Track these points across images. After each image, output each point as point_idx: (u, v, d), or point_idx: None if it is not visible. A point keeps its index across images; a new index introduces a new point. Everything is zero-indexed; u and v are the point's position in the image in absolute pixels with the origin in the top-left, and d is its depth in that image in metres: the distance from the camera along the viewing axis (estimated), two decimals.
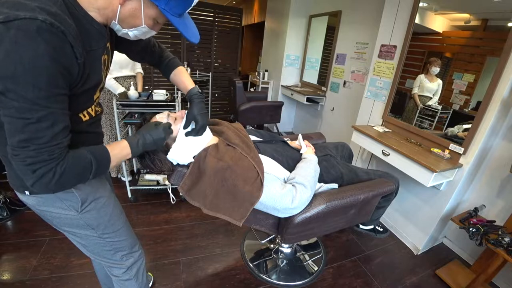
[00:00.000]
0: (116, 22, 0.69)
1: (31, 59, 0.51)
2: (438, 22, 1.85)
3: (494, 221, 1.54)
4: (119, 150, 0.76)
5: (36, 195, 0.75)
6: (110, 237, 0.92)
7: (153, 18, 0.71)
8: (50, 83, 0.54)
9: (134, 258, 1.03)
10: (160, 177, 2.27)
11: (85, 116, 0.75)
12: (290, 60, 3.79)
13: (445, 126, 1.81)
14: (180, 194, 1.12)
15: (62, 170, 0.60)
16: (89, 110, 0.77)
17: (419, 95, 1.96)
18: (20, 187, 0.74)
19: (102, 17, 0.67)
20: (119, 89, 2.08)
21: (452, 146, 1.66)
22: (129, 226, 1.02)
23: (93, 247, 0.92)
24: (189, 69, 3.62)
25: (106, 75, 0.82)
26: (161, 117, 1.08)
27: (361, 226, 1.67)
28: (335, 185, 1.31)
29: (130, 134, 2.24)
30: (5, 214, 1.83)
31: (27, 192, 0.74)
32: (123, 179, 2.37)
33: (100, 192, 0.87)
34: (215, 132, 1.24)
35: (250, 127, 3.58)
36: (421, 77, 1.93)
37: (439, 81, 1.85)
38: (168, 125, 0.91)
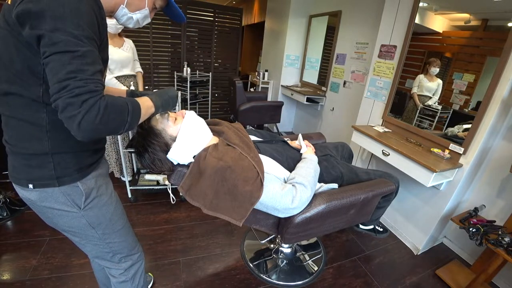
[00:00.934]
0: (124, 6, 0.76)
1: (76, 3, 0.58)
2: (438, 22, 1.85)
3: (494, 221, 1.54)
4: (143, 100, 0.77)
5: (39, 189, 0.74)
6: (110, 237, 0.92)
7: (153, 1, 0.81)
8: (90, 27, 0.61)
9: (133, 261, 1.03)
10: (160, 177, 2.27)
11: None
12: (290, 60, 3.79)
13: (445, 126, 1.81)
14: (180, 194, 1.12)
15: (105, 104, 0.60)
16: None
17: (418, 95, 1.96)
18: (23, 180, 0.74)
19: (110, 2, 0.72)
20: (120, 88, 2.08)
21: (452, 146, 1.66)
22: (130, 228, 1.02)
23: (91, 247, 0.92)
24: (189, 69, 3.62)
25: (106, 68, 0.84)
26: (162, 117, 1.08)
27: (361, 226, 1.67)
28: (335, 185, 1.31)
29: (130, 134, 2.24)
30: (5, 214, 1.83)
31: (30, 185, 0.74)
32: (123, 179, 2.37)
33: (103, 189, 0.87)
34: (215, 132, 1.24)
35: (250, 127, 3.58)
36: (421, 77, 1.93)
37: (439, 81, 1.85)
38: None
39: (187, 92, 3.64)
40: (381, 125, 2.19)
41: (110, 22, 1.80)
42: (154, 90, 0.95)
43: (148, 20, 0.86)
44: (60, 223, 0.83)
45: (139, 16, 0.81)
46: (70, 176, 0.77)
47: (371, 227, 1.68)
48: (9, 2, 0.62)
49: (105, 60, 0.75)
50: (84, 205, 0.81)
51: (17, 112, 0.68)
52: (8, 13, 0.61)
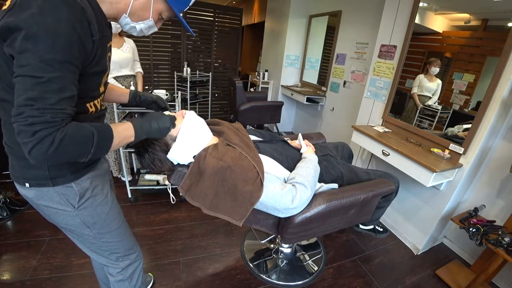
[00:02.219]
0: (127, 15, 0.74)
1: (53, 24, 0.55)
2: (438, 22, 1.85)
3: (494, 221, 1.54)
4: (122, 129, 0.75)
5: (35, 188, 0.77)
6: (105, 237, 0.92)
7: (159, 12, 0.78)
8: (66, 50, 0.58)
9: (130, 260, 1.03)
10: (160, 177, 2.27)
11: (91, 107, 0.76)
12: (290, 60, 3.79)
13: (445, 126, 1.81)
14: (180, 194, 1.12)
15: (62, 136, 0.58)
16: (96, 102, 0.78)
17: (418, 95, 1.96)
18: (21, 178, 0.76)
19: (113, 10, 0.71)
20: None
21: (452, 146, 1.66)
22: (127, 228, 1.02)
23: (88, 245, 0.93)
24: (189, 69, 3.62)
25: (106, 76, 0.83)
26: None
27: (361, 226, 1.67)
28: (335, 185, 1.31)
29: None
30: (5, 214, 1.83)
31: (27, 184, 0.76)
32: (123, 179, 2.37)
33: (98, 190, 0.87)
34: (215, 132, 1.24)
35: (250, 127, 3.58)
36: (421, 77, 1.93)
37: (439, 81, 1.85)
38: (174, 118, 0.95)
39: (187, 92, 3.65)
40: (381, 125, 2.19)
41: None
42: (148, 112, 0.93)
43: (155, 30, 0.84)
44: (57, 220, 0.85)
45: (143, 26, 0.79)
46: (64, 177, 0.78)
47: (371, 227, 1.68)
48: (4, 8, 0.61)
49: (102, 70, 0.74)
50: (78, 205, 0.82)
51: (11, 118, 0.68)
52: None
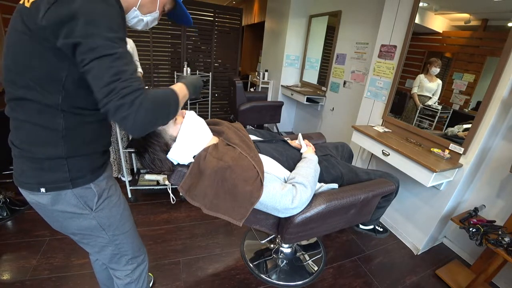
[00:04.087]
0: (137, 8, 0.76)
1: (104, 9, 0.60)
2: (438, 22, 1.85)
3: (494, 221, 1.54)
4: (178, 88, 0.81)
5: (52, 192, 0.74)
6: (119, 239, 0.92)
7: (163, 4, 0.81)
8: (121, 29, 0.63)
9: (138, 262, 1.03)
10: (160, 177, 2.27)
11: None
12: (290, 60, 3.79)
13: (445, 126, 1.81)
14: (180, 194, 1.11)
15: (151, 99, 0.63)
16: None
17: (418, 95, 1.96)
18: (34, 184, 0.73)
19: (125, 3, 0.72)
20: None
21: (452, 146, 1.66)
22: (136, 230, 1.03)
23: (99, 249, 0.91)
24: (189, 69, 3.62)
25: None
26: None
27: (361, 226, 1.67)
28: (335, 185, 1.31)
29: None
30: (5, 214, 1.83)
31: (42, 189, 0.73)
32: (123, 179, 2.37)
33: (113, 190, 0.88)
34: (215, 132, 1.24)
35: (250, 127, 3.58)
36: (421, 77, 1.93)
37: (439, 81, 1.85)
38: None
39: None
40: (381, 125, 2.19)
41: None
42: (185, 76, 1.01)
43: (155, 23, 0.86)
44: (70, 226, 0.82)
45: (149, 19, 0.81)
46: (84, 178, 0.77)
47: (371, 227, 1.68)
48: (27, 5, 0.61)
49: None
50: (96, 207, 0.82)
51: (33, 117, 0.68)
52: (29, 17, 0.60)
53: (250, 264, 1.68)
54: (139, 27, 0.83)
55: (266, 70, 4.32)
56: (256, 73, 5.11)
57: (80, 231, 0.84)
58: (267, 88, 4.26)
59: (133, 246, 0.99)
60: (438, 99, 1.87)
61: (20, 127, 0.70)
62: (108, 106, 0.58)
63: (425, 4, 1.84)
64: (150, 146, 1.04)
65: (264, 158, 1.16)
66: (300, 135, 1.42)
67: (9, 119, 0.72)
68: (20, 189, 0.78)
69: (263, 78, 4.28)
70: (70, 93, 0.66)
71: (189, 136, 1.08)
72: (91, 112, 0.72)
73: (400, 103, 2.09)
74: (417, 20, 1.87)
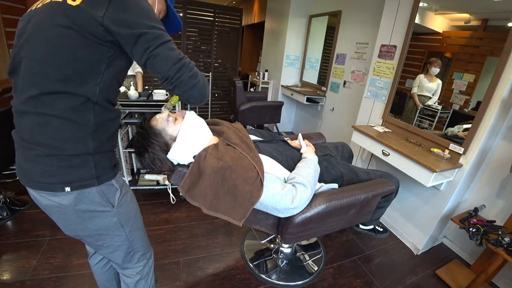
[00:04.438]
0: None
1: (150, 7, 0.73)
2: (438, 22, 1.85)
3: (494, 221, 1.54)
4: None
5: (77, 191, 0.74)
6: (134, 235, 0.93)
7: (159, 12, 0.88)
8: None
9: (147, 258, 1.04)
10: (160, 177, 2.27)
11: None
12: (290, 60, 3.79)
13: (445, 126, 1.81)
14: (180, 194, 1.12)
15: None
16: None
17: (418, 95, 1.96)
18: (58, 184, 0.72)
19: None
20: None
21: (452, 146, 1.66)
22: (144, 226, 1.04)
23: (114, 249, 0.91)
24: None
25: None
26: (162, 117, 1.08)
27: (361, 226, 1.67)
28: (335, 185, 1.31)
29: (130, 134, 2.24)
30: (5, 214, 1.83)
31: (67, 189, 0.73)
32: (123, 179, 2.36)
33: (127, 187, 0.90)
34: (215, 132, 1.24)
35: (250, 127, 3.58)
36: (421, 77, 1.93)
37: (439, 81, 1.85)
38: None
39: None
40: (381, 125, 2.19)
41: None
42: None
43: None
44: (88, 227, 0.82)
45: None
46: (107, 174, 0.79)
47: (371, 227, 1.68)
48: (71, 3, 0.65)
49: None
50: (117, 203, 0.83)
51: (65, 112, 0.69)
52: (77, 14, 0.64)
53: (250, 264, 1.68)
54: None
55: (266, 70, 4.32)
56: (256, 73, 5.11)
57: (98, 231, 0.84)
58: (267, 88, 4.26)
59: (144, 241, 1.00)
60: (438, 99, 1.87)
61: (49, 122, 0.69)
62: (182, 77, 0.74)
63: (425, 4, 1.84)
64: (150, 146, 1.04)
65: (264, 158, 1.16)
66: (300, 135, 1.42)
67: (19, 117, 0.71)
68: (34, 193, 0.75)
69: (263, 78, 4.28)
70: (106, 85, 0.73)
71: (189, 136, 1.08)
72: (113, 108, 0.79)
73: (400, 103, 2.09)
74: (417, 20, 1.87)
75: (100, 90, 0.71)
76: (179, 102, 1.96)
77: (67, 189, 0.73)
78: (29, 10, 0.74)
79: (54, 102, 0.68)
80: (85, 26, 0.65)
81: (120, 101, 1.81)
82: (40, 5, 0.71)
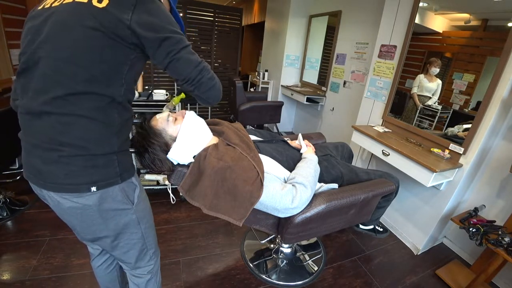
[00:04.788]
0: None
1: (167, 11, 0.76)
2: (438, 22, 1.85)
3: (494, 221, 1.54)
4: None
5: (102, 190, 0.74)
6: (148, 231, 0.94)
7: None
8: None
9: (157, 256, 1.05)
10: (160, 177, 2.27)
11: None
12: (290, 60, 3.79)
13: (445, 126, 1.81)
14: (180, 194, 1.12)
15: None
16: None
17: (418, 95, 1.96)
18: (83, 185, 0.72)
19: None
20: None
21: (452, 146, 1.66)
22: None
23: (128, 248, 0.91)
24: None
25: None
26: (162, 117, 1.08)
27: (361, 226, 1.67)
28: (335, 185, 1.31)
29: (130, 134, 2.23)
30: (5, 214, 1.83)
31: (93, 188, 0.73)
32: None
33: (140, 184, 0.91)
34: (215, 132, 1.24)
35: (250, 127, 3.58)
36: (421, 77, 1.93)
37: (438, 81, 1.85)
38: None
39: None
40: (381, 125, 2.19)
41: None
42: None
43: None
44: (108, 227, 0.82)
45: None
46: (128, 172, 0.81)
47: (371, 227, 1.68)
48: (97, 5, 0.66)
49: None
50: (136, 200, 0.85)
51: (91, 112, 0.69)
52: (104, 16, 0.66)
53: (250, 264, 1.68)
54: None
55: (266, 70, 4.32)
56: (256, 73, 5.11)
57: (118, 230, 0.84)
58: (267, 88, 4.26)
59: (155, 239, 1.01)
60: (438, 99, 1.87)
61: (74, 123, 0.68)
62: (202, 79, 0.79)
63: (425, 4, 1.84)
64: (150, 146, 1.04)
65: (264, 158, 1.16)
66: (300, 135, 1.42)
67: (35, 119, 0.69)
68: (56, 196, 0.73)
69: (263, 78, 4.28)
70: (128, 85, 0.75)
71: (189, 136, 1.08)
72: (131, 108, 0.82)
73: (400, 103, 2.09)
74: (417, 20, 1.87)
75: (124, 91, 0.74)
76: (179, 102, 1.96)
77: (93, 188, 0.73)
78: (40, 8, 0.73)
79: (81, 102, 0.68)
80: (112, 28, 0.66)
81: None
82: (58, 4, 0.70)
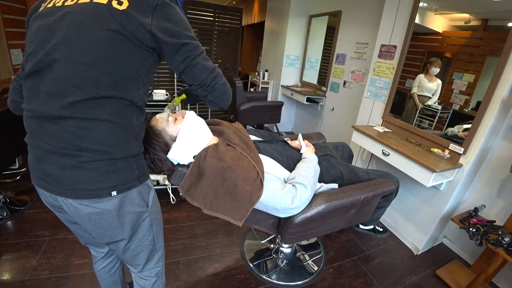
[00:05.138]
0: None
1: (184, 17, 0.76)
2: (438, 22, 1.85)
3: (494, 221, 1.54)
4: None
5: (121, 194, 0.74)
6: (158, 233, 0.94)
7: None
8: None
9: (163, 257, 1.04)
10: (160, 177, 2.26)
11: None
12: (290, 60, 3.79)
13: (445, 126, 1.81)
14: (180, 194, 1.12)
15: None
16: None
17: (418, 95, 1.96)
18: (104, 190, 0.71)
19: None
20: None
21: (452, 146, 1.66)
22: None
23: (140, 251, 0.90)
24: None
25: None
26: (162, 117, 1.08)
27: (361, 226, 1.67)
28: (335, 185, 1.31)
29: None
30: (5, 214, 1.83)
31: (114, 193, 0.72)
32: None
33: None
34: (215, 132, 1.24)
35: (250, 127, 3.58)
36: (421, 76, 1.93)
37: (438, 81, 1.85)
38: None
39: None
40: (381, 125, 2.19)
41: None
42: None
43: None
44: (126, 230, 0.81)
45: None
46: (144, 174, 0.81)
47: (371, 227, 1.68)
48: (117, 7, 0.65)
49: None
50: (150, 202, 0.85)
51: (113, 116, 0.68)
52: (126, 18, 0.64)
53: (250, 264, 1.68)
54: None
55: (266, 70, 4.32)
56: (256, 73, 5.10)
57: (132, 233, 0.83)
58: (267, 88, 4.25)
59: (163, 240, 1.01)
60: (438, 99, 1.87)
61: (96, 127, 0.66)
62: (216, 85, 0.81)
63: (425, 4, 1.84)
64: (150, 146, 1.04)
65: (264, 158, 1.16)
66: (300, 135, 1.42)
67: (48, 123, 0.65)
68: (74, 202, 0.71)
69: (263, 78, 4.28)
70: (144, 88, 0.76)
71: (189, 136, 1.08)
72: (145, 111, 0.82)
73: (400, 103, 2.09)
74: (417, 20, 1.87)
75: (142, 94, 0.74)
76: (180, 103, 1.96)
77: (114, 193, 0.72)
78: (50, 5, 0.69)
79: (102, 107, 0.66)
80: (133, 32, 0.65)
81: None
82: (72, 3, 0.66)
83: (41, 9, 0.71)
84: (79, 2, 0.66)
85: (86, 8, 0.65)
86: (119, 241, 0.83)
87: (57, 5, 0.68)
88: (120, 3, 0.65)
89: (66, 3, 0.67)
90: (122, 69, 0.67)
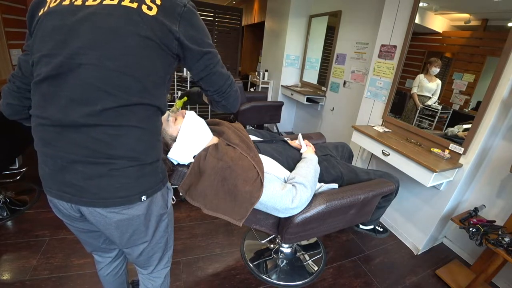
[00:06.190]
0: None
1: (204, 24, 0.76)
2: (438, 22, 1.85)
3: (494, 221, 1.54)
4: None
5: (150, 198, 0.74)
6: (171, 234, 0.95)
7: None
8: None
9: (171, 257, 1.04)
10: None
11: None
12: (290, 60, 3.79)
13: (445, 126, 1.81)
14: (180, 194, 1.12)
15: None
16: None
17: (418, 95, 1.96)
18: (135, 195, 0.70)
19: None
20: None
21: (452, 146, 1.66)
22: None
23: (154, 251, 0.89)
24: None
25: None
26: (162, 117, 1.08)
27: (361, 226, 1.67)
28: (335, 185, 1.31)
29: None
30: (5, 214, 1.83)
31: (143, 197, 0.72)
32: None
33: None
34: (215, 132, 1.24)
35: (250, 127, 3.58)
36: (421, 76, 1.93)
37: (438, 81, 1.85)
38: None
39: None
40: (381, 125, 2.19)
41: None
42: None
43: None
44: (149, 233, 0.81)
45: None
46: (166, 176, 0.83)
47: (371, 227, 1.68)
48: (148, 12, 0.63)
49: None
50: (169, 204, 0.87)
51: (142, 122, 0.68)
52: (156, 24, 0.63)
53: (250, 264, 1.68)
54: None
55: (266, 70, 4.32)
56: (256, 73, 5.11)
57: (153, 235, 0.83)
58: (267, 88, 4.25)
59: (173, 239, 1.00)
60: (438, 99, 1.87)
61: (126, 134, 0.65)
62: (231, 92, 0.85)
63: (425, 4, 1.84)
64: None
65: (264, 158, 1.16)
66: (300, 135, 1.42)
67: (72, 131, 0.62)
68: (102, 211, 0.69)
69: (263, 78, 4.28)
70: (167, 94, 0.77)
71: (189, 136, 1.08)
72: None
73: (400, 103, 2.09)
74: (417, 20, 1.87)
75: (165, 99, 0.75)
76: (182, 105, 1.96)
77: (143, 198, 0.72)
78: (66, 3, 0.63)
79: (132, 113, 0.65)
80: (163, 38, 0.65)
81: None
82: (95, 3, 0.62)
83: (53, 5, 0.64)
84: (103, 3, 0.62)
85: (115, 11, 0.61)
86: (140, 244, 0.82)
87: (75, 3, 0.62)
88: (149, 8, 0.63)
89: (87, 3, 0.62)
90: (152, 75, 0.67)
